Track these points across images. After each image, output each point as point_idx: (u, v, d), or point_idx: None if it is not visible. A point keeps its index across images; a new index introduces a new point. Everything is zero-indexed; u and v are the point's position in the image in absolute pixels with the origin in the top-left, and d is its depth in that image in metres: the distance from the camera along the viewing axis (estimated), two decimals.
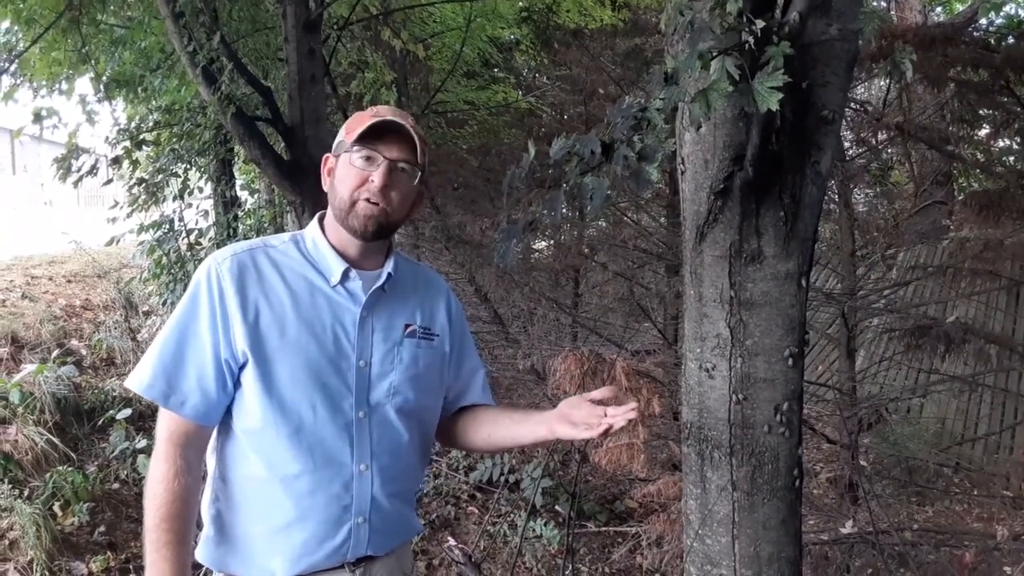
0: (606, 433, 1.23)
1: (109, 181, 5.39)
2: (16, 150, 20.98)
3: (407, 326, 1.40)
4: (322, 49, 3.92)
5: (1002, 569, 3.67)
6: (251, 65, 4.58)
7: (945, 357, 4.40)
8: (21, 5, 4.25)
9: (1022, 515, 4.68)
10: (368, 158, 1.30)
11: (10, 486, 3.45)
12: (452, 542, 3.73)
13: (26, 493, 3.47)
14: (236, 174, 6.89)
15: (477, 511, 4.28)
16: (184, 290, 1.41)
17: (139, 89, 5.28)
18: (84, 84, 5.30)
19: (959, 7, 10.37)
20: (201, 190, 6.22)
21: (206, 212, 6.14)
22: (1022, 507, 4.77)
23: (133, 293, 6.97)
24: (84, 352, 5.50)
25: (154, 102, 5.50)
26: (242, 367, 1.28)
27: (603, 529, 4.11)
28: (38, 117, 4.64)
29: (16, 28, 4.48)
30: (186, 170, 5.64)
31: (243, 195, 6.95)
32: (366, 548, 1.34)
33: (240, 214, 6.44)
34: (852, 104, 4.26)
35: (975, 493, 5.15)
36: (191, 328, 1.28)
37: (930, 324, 4.20)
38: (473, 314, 5.70)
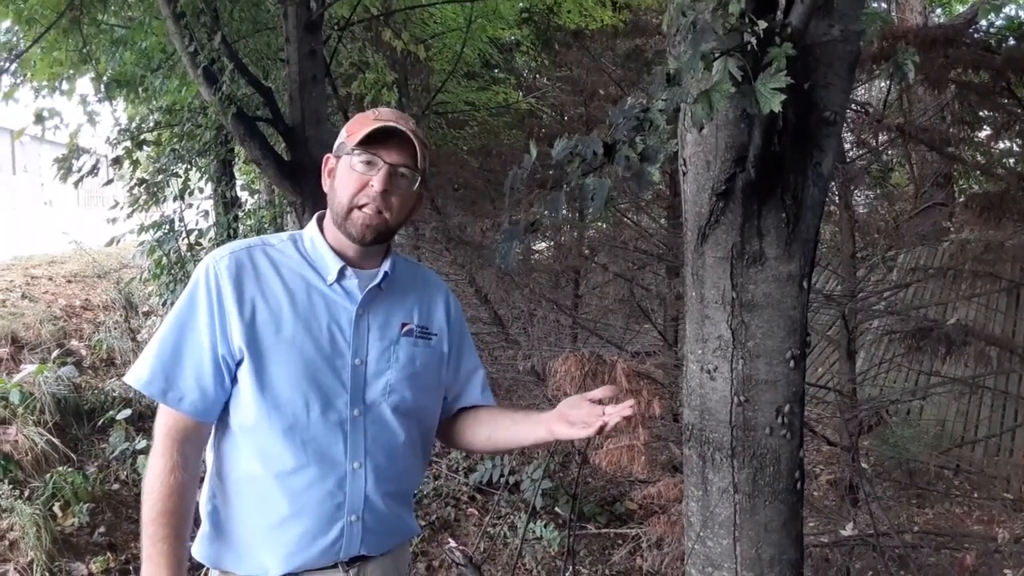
0: (602, 430, 1.23)
1: (110, 181, 5.39)
2: (16, 150, 20.99)
3: (404, 325, 1.40)
4: (323, 50, 3.92)
5: (1002, 572, 3.66)
6: (252, 65, 4.58)
7: (946, 359, 4.39)
8: (22, 5, 4.25)
9: (1022, 518, 4.67)
10: (369, 163, 1.31)
11: (10, 487, 3.45)
12: (452, 543, 3.72)
13: (26, 494, 3.47)
14: (236, 174, 6.89)
15: (477, 512, 4.28)
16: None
17: (140, 89, 5.28)
18: (85, 84, 5.30)
19: (959, 8, 10.39)
20: (201, 190, 6.22)
21: (206, 212, 6.15)
22: (1022, 510, 4.77)
23: (133, 293, 6.97)
24: (84, 352, 5.50)
25: (155, 102, 5.50)
26: (239, 364, 1.29)
27: (603, 531, 4.10)
28: (40, 118, 4.63)
29: (17, 28, 4.48)
30: (187, 170, 5.65)
31: (243, 195, 6.95)
32: (359, 547, 1.34)
33: (240, 214, 6.44)
34: (852, 106, 4.25)
35: (975, 495, 5.15)
36: (189, 325, 1.29)
37: (931, 326, 4.19)
38: (473, 315, 5.70)
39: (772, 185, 1.52)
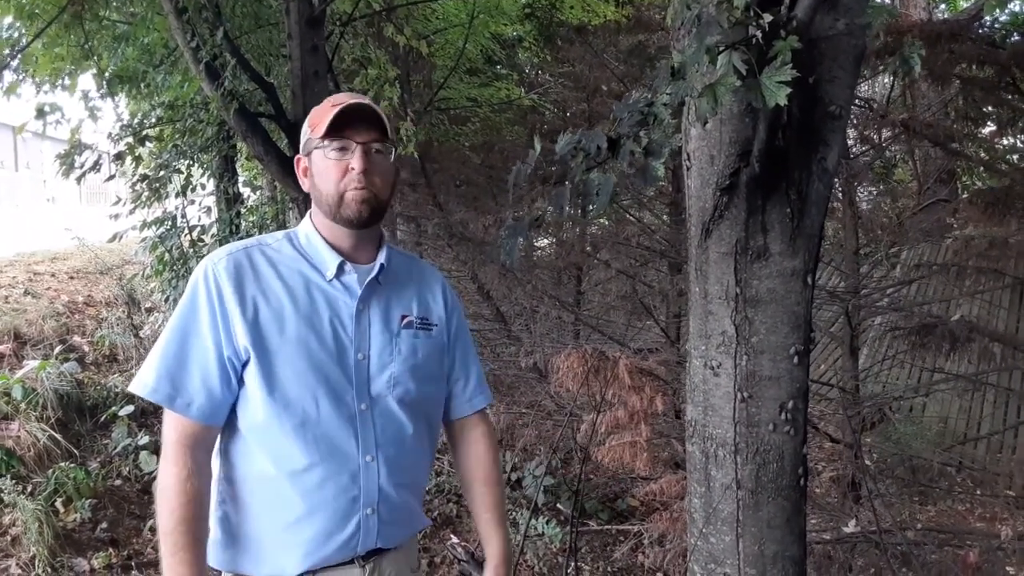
0: None
1: (112, 177, 5.40)
2: (19, 146, 21.02)
3: (404, 317, 1.41)
4: (325, 45, 3.90)
5: (1005, 569, 3.66)
6: (254, 61, 4.55)
7: (949, 356, 4.37)
8: (24, 0, 4.24)
9: None
10: (342, 148, 1.32)
11: (13, 482, 3.45)
12: (454, 540, 3.71)
13: (28, 489, 3.47)
14: (239, 170, 6.87)
15: None
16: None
17: (142, 85, 5.27)
18: (87, 80, 5.28)
19: (963, 4, 10.34)
20: (204, 186, 6.20)
21: (209, 208, 6.13)
22: None
23: (136, 289, 6.98)
24: (86, 348, 5.51)
25: (157, 98, 5.49)
26: (244, 364, 1.28)
27: (605, 527, 4.10)
28: (41, 113, 4.63)
29: (19, 23, 4.47)
30: (189, 166, 5.63)
31: (246, 191, 6.92)
32: (375, 540, 1.35)
33: (243, 211, 6.43)
34: (856, 101, 4.24)
35: (978, 493, 5.14)
36: (192, 329, 1.28)
37: (934, 323, 4.18)
38: (475, 312, 5.70)
39: (776, 180, 1.51)
